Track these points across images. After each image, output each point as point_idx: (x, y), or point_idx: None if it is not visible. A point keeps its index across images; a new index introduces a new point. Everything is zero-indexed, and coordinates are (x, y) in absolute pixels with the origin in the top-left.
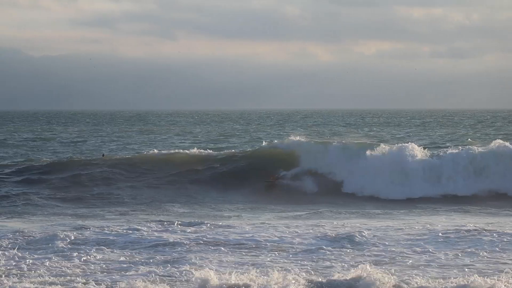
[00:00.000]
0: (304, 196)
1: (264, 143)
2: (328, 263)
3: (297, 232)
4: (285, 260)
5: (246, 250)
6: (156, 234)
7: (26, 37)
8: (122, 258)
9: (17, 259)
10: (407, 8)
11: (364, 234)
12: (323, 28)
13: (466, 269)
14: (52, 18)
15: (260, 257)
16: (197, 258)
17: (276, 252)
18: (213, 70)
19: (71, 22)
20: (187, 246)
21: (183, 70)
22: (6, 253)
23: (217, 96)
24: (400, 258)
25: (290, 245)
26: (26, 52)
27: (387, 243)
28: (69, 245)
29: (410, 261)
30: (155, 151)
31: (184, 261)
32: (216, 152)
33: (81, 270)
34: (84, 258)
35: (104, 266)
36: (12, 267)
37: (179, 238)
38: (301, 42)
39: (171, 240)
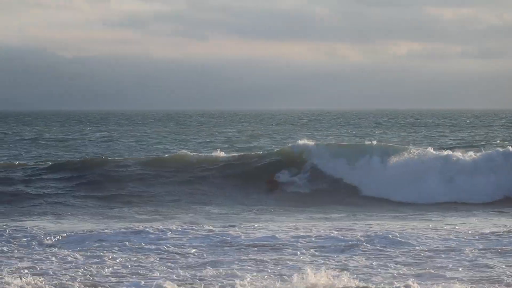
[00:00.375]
0: (319, 199)
1: (289, 144)
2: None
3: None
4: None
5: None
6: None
7: (58, 38)
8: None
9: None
10: (437, 8)
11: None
12: (353, 29)
13: None
14: (84, 19)
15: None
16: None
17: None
18: (243, 71)
19: (102, 23)
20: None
21: (213, 71)
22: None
23: (247, 96)
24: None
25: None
26: (57, 53)
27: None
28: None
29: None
30: (184, 151)
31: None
32: (228, 155)
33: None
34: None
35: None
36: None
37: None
38: (331, 42)
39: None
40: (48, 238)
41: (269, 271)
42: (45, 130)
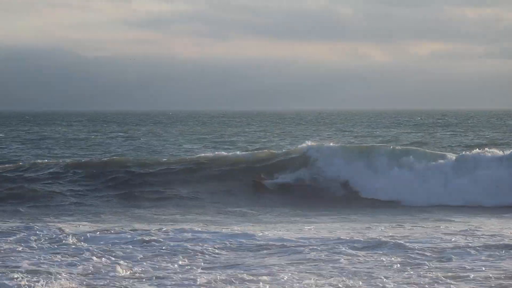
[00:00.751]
0: (326, 201)
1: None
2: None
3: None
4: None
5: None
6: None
7: (80, 38)
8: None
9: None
10: (459, 8)
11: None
12: (376, 29)
13: None
14: (105, 19)
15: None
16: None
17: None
18: (266, 71)
19: (124, 23)
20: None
21: (234, 71)
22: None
23: (269, 96)
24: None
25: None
26: (80, 53)
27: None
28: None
29: None
30: (203, 155)
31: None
32: (243, 153)
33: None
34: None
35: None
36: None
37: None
38: (354, 42)
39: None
40: (84, 237)
41: None
42: (74, 130)
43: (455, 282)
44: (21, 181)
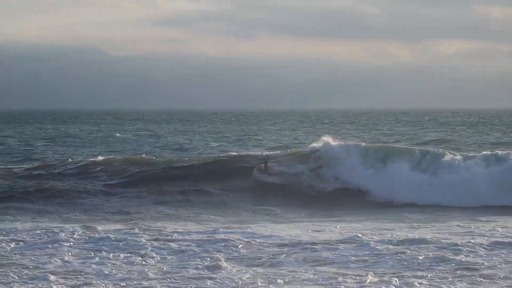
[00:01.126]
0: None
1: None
2: None
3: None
4: None
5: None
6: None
7: (107, 37)
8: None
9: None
10: (485, 7)
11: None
12: (402, 28)
13: None
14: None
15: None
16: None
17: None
18: (291, 69)
19: (150, 22)
20: None
21: (260, 69)
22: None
23: (294, 95)
24: None
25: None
26: (107, 52)
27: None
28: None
29: None
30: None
31: None
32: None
33: None
34: None
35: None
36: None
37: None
38: (379, 41)
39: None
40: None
41: None
42: (101, 129)
43: None
44: (50, 177)
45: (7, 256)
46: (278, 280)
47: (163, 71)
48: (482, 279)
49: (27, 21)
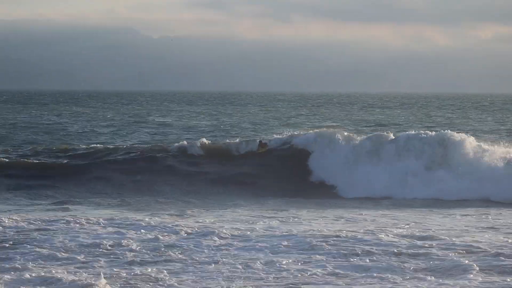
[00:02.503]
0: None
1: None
2: None
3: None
4: None
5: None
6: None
7: (144, 18)
8: None
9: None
10: None
11: None
12: (439, 11)
13: None
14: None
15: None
16: None
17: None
18: (328, 53)
19: (188, 4)
20: None
21: (298, 53)
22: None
23: (332, 79)
24: None
25: None
26: (144, 33)
27: None
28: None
29: None
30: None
31: None
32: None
33: None
34: None
35: None
36: None
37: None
38: (417, 25)
39: None
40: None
41: None
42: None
43: None
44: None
45: None
46: None
47: (201, 53)
48: None
49: (64, 1)
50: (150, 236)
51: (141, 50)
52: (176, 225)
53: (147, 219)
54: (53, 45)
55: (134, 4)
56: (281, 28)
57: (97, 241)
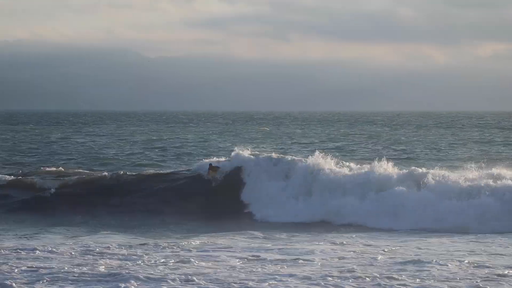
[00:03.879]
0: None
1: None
2: None
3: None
4: None
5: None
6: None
7: (143, 38)
8: None
9: None
10: None
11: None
12: (437, 29)
13: None
14: (168, 19)
15: None
16: None
17: None
18: (327, 72)
19: (186, 24)
20: None
21: (296, 72)
22: None
23: (330, 98)
24: None
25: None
26: (142, 53)
27: None
28: None
29: None
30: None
31: None
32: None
33: None
34: None
35: None
36: None
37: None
38: (415, 43)
39: None
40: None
41: None
42: (150, 129)
43: None
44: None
45: None
46: None
47: (198, 73)
48: None
49: (62, 21)
50: None
51: (139, 70)
52: None
53: None
54: (50, 67)
55: (132, 24)
56: (279, 48)
57: None
